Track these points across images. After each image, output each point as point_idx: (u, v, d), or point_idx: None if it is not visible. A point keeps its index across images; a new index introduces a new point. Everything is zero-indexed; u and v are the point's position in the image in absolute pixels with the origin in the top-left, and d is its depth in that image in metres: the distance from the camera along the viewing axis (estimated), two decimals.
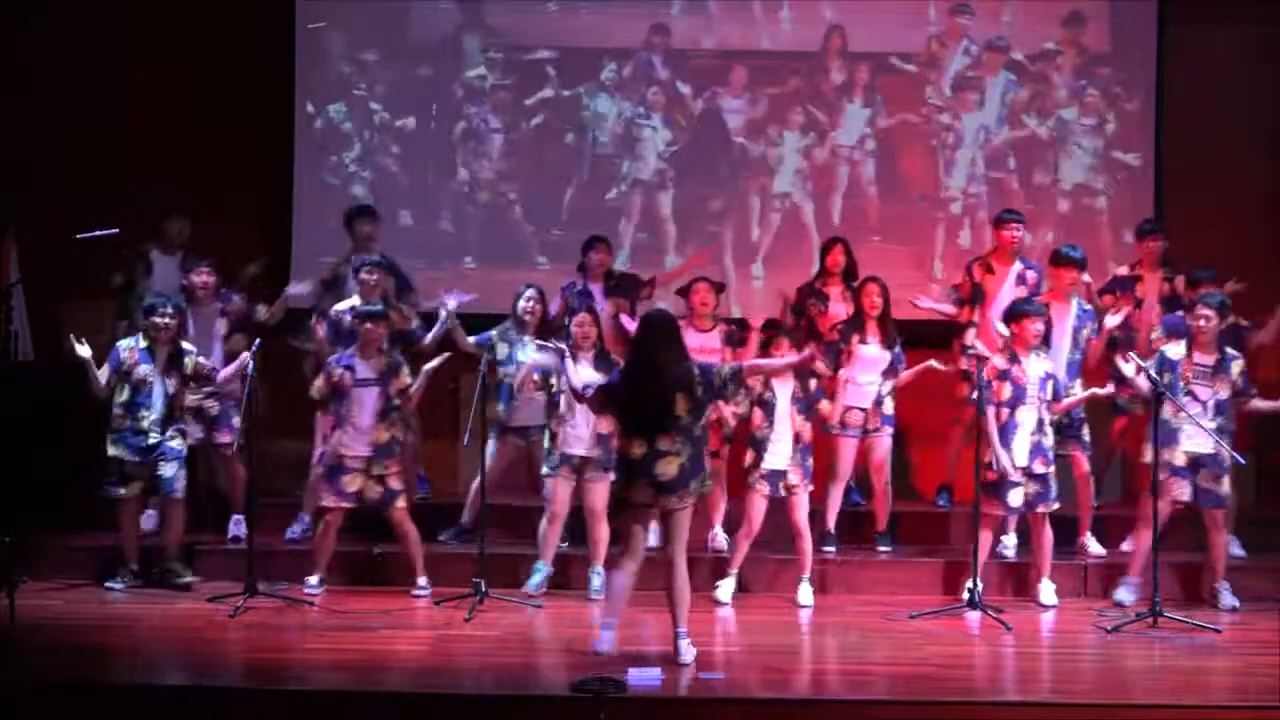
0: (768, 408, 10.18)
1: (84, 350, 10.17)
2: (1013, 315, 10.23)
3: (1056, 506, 10.25)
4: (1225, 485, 10.05)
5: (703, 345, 10.55)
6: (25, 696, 8.12)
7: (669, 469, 8.63)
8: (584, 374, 10.04)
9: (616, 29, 12.56)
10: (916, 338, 11.13)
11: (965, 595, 10.01)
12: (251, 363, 10.14)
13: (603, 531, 10.23)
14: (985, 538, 10.14)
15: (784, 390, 10.20)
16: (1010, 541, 10.72)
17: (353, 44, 12.56)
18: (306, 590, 10.26)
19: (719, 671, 8.63)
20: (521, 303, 10.69)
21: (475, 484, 10.63)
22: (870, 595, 10.49)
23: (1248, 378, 10.16)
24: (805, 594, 10.24)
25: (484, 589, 9.96)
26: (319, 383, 10.32)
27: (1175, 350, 10.12)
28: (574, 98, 12.56)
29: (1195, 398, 10.00)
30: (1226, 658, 9.13)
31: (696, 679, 8.49)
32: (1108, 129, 12.48)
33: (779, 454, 10.17)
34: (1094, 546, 10.85)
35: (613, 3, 12.57)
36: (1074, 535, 10.84)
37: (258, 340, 10.41)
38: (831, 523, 10.91)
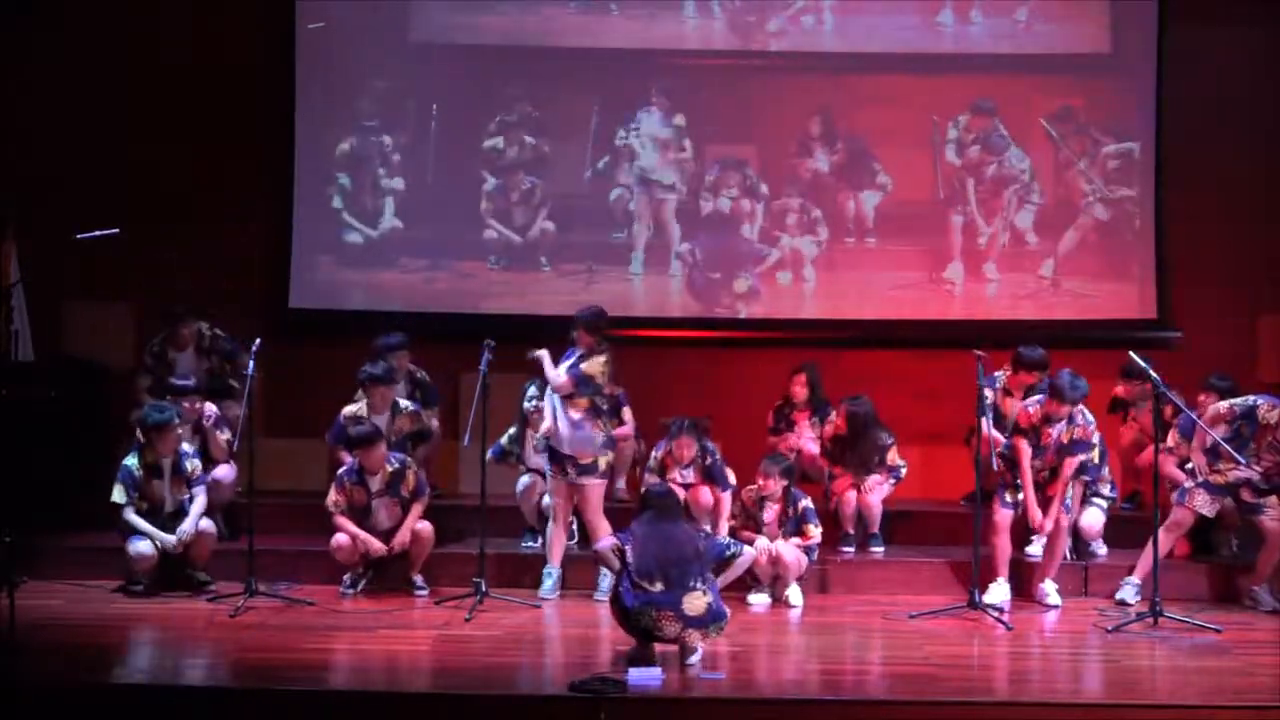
0: (755, 526, 10.37)
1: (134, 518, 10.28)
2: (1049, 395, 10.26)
3: (1067, 517, 10.28)
4: (1268, 498, 10.16)
5: (678, 477, 10.65)
6: (25, 696, 8.12)
7: (697, 605, 8.65)
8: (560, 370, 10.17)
9: (624, 29, 12.54)
10: (917, 340, 11.11)
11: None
12: (252, 362, 10.15)
13: (602, 532, 10.22)
14: (997, 541, 10.18)
15: (770, 510, 10.36)
16: (1040, 542, 10.66)
17: (353, 43, 12.54)
18: (343, 592, 10.35)
19: (719, 671, 8.63)
20: (526, 404, 10.83)
21: (520, 487, 10.84)
22: (870, 595, 10.49)
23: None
24: (795, 595, 10.30)
25: (484, 589, 9.96)
26: (333, 495, 10.40)
27: (1273, 414, 10.10)
28: (585, 103, 12.53)
29: (1258, 457, 10.14)
30: (1226, 658, 9.12)
31: (697, 679, 8.49)
32: (1111, 129, 12.49)
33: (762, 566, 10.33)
34: (1096, 546, 10.85)
35: (625, 4, 12.55)
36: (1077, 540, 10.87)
37: (258, 339, 10.41)
38: (875, 526, 10.98)
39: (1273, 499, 10.18)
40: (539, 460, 10.61)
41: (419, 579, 10.36)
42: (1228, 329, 12.07)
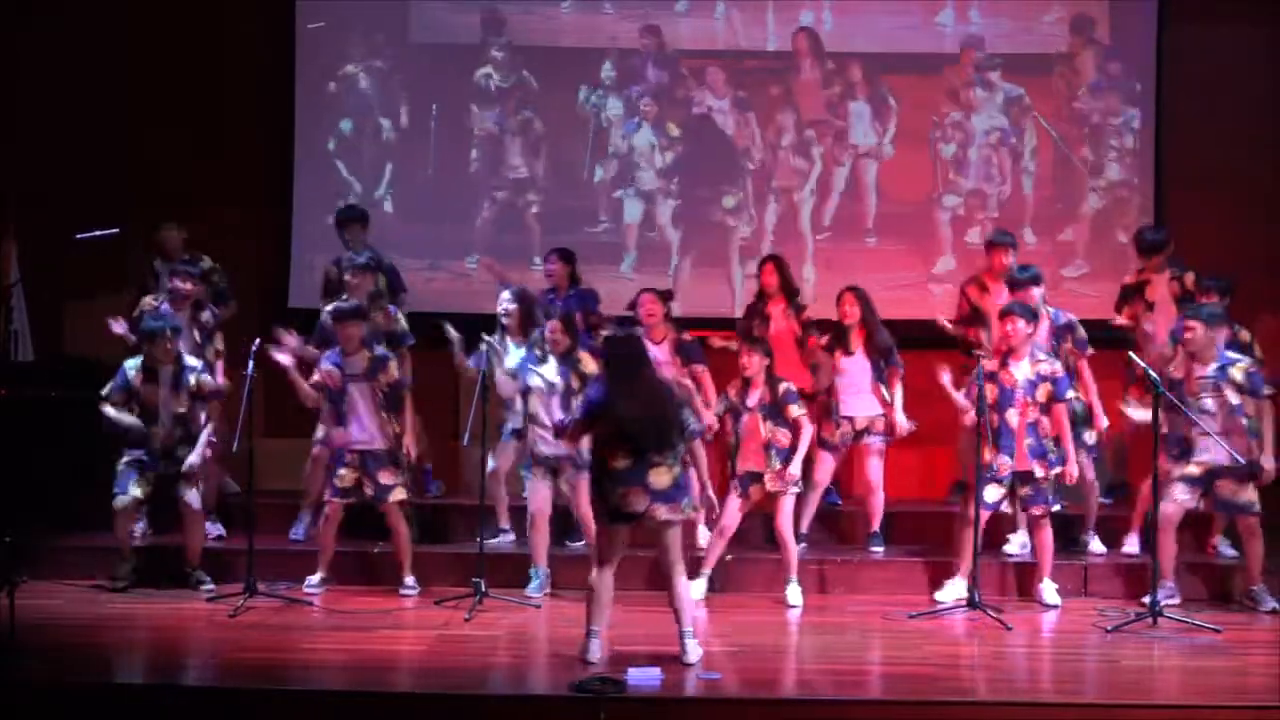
0: (736, 414, 10.23)
1: (110, 410, 10.30)
2: (1001, 315, 10.27)
3: (1056, 508, 10.27)
4: (1248, 493, 10.04)
5: (654, 357, 10.59)
6: (25, 696, 8.12)
7: (662, 479, 8.64)
8: (548, 370, 10.13)
9: (618, 29, 12.56)
10: (912, 340, 11.11)
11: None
12: (252, 362, 10.15)
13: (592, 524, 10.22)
14: (965, 536, 10.19)
15: (753, 396, 10.25)
16: (1018, 540, 10.72)
17: (353, 44, 12.56)
18: (307, 589, 10.29)
19: (718, 672, 8.63)
20: (499, 308, 10.72)
21: (490, 467, 10.73)
22: (870, 595, 10.50)
23: (1260, 377, 10.15)
24: (794, 594, 10.25)
25: (484, 589, 9.97)
26: (315, 376, 10.38)
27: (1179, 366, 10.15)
28: (576, 99, 12.56)
29: (1204, 410, 10.02)
30: (1226, 658, 9.12)
31: (696, 679, 8.49)
32: (1111, 129, 12.50)
33: (748, 459, 10.21)
34: (1095, 545, 10.85)
35: (623, 5, 12.57)
36: (1078, 534, 10.89)
37: (258, 339, 10.43)
38: (805, 525, 10.94)
39: (1251, 491, 10.05)
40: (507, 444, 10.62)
41: (409, 579, 10.36)
42: None
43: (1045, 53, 12.53)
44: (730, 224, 12.51)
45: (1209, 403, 10.03)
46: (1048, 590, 10.28)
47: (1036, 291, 10.62)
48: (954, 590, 10.22)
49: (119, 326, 10.75)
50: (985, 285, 11.20)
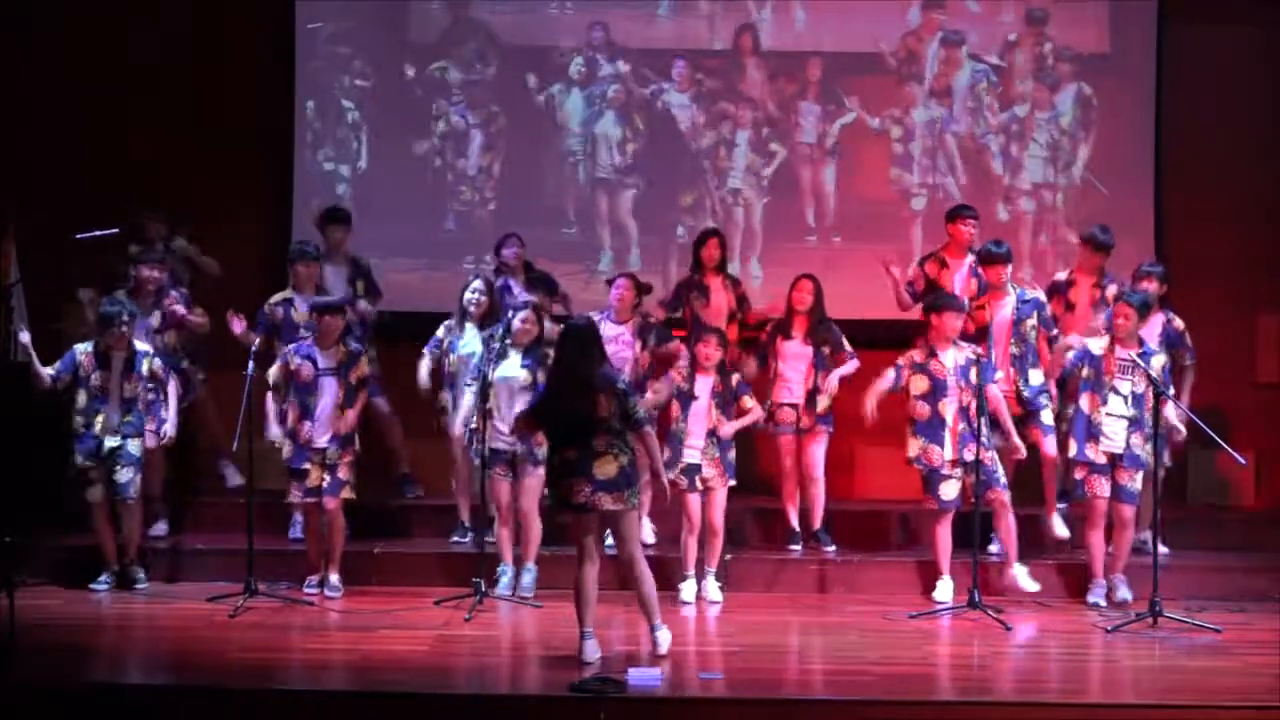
0: (685, 401, 10.21)
1: (24, 336, 10.30)
2: (933, 308, 10.29)
3: (1007, 494, 10.20)
4: (1138, 482, 10.03)
5: (617, 336, 10.65)
6: (25, 696, 8.12)
7: (608, 468, 8.62)
8: (511, 365, 10.12)
9: (584, 26, 12.64)
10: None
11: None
12: (252, 361, 10.14)
13: (535, 529, 10.25)
14: (938, 534, 10.25)
15: (704, 384, 10.22)
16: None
17: (342, 44, 12.58)
18: (307, 590, 10.30)
19: (719, 671, 8.63)
20: (468, 294, 10.71)
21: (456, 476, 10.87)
22: (869, 595, 10.50)
23: (1171, 375, 10.18)
24: (712, 589, 10.24)
25: (484, 589, 9.97)
26: (274, 373, 10.33)
27: (1098, 345, 10.13)
28: (546, 97, 12.59)
29: (1116, 391, 10.00)
30: (1226, 658, 9.12)
31: (696, 679, 8.49)
32: (1076, 125, 12.50)
33: (694, 448, 10.20)
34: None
35: (614, 4, 12.61)
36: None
37: (256, 340, 10.45)
38: (818, 521, 10.94)
39: (1140, 481, 10.01)
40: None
41: (334, 578, 10.33)
42: (1227, 329, 12.07)
43: (1008, 45, 12.54)
44: (690, 224, 12.48)
45: (1123, 385, 9.99)
46: (1020, 575, 10.22)
47: (1007, 269, 10.63)
48: (944, 590, 10.24)
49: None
50: (945, 261, 11.05)
